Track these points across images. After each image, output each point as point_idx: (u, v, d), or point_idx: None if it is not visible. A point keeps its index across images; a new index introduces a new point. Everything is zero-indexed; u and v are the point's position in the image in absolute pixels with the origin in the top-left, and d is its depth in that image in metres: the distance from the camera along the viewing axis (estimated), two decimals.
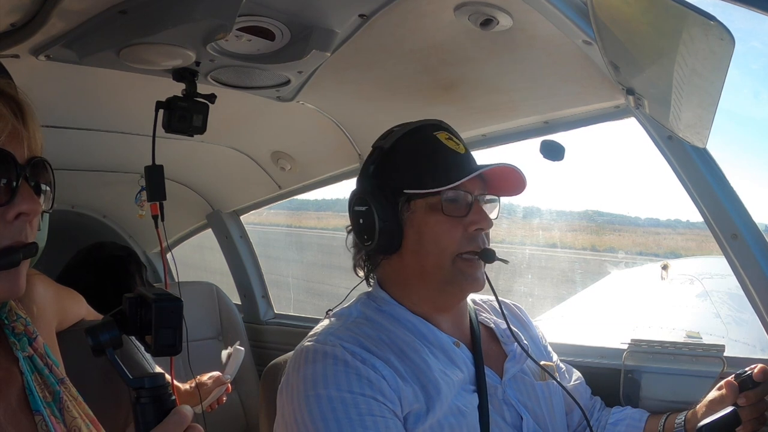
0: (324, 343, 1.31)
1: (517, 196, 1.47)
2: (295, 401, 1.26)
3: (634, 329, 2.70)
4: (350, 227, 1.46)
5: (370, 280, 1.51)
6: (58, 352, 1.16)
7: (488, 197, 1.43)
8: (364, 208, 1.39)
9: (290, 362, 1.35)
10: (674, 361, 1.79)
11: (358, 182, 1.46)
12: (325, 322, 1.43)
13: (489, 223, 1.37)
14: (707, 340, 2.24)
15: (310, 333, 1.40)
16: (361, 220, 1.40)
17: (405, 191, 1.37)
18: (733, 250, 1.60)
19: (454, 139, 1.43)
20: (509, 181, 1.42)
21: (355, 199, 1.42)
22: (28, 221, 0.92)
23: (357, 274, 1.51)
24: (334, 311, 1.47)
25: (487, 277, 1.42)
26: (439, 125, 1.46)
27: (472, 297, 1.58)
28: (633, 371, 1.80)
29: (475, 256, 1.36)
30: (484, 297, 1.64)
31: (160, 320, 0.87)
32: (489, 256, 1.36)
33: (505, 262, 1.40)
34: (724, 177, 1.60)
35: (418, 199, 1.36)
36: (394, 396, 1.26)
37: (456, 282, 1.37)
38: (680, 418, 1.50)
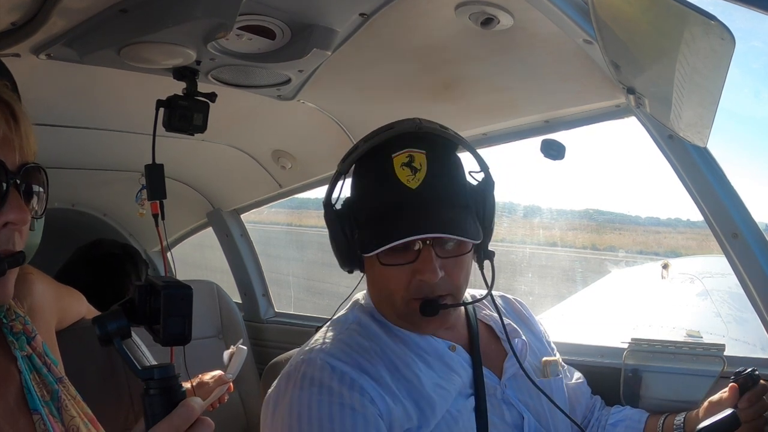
0: (314, 364, 1.29)
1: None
2: (278, 427, 1.27)
3: (634, 328, 2.70)
4: None
5: None
6: (57, 350, 1.16)
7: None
8: (329, 230, 1.39)
9: (284, 373, 1.34)
10: (674, 360, 1.79)
11: (323, 205, 1.40)
12: (323, 330, 1.42)
13: (434, 275, 1.26)
14: (708, 339, 2.24)
15: (308, 343, 1.40)
16: (331, 240, 1.40)
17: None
18: (733, 249, 1.60)
19: (412, 165, 1.29)
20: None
21: (326, 219, 1.40)
22: (16, 230, 0.92)
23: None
24: (332, 319, 1.47)
25: (488, 272, 1.40)
26: (407, 140, 1.32)
27: (471, 293, 1.56)
28: (633, 370, 1.80)
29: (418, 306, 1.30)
30: (485, 291, 1.61)
31: (168, 308, 0.84)
32: (428, 309, 1.29)
33: (453, 306, 1.35)
34: (725, 176, 1.60)
35: None
36: (380, 422, 1.24)
37: (412, 321, 1.35)
38: (679, 418, 1.50)
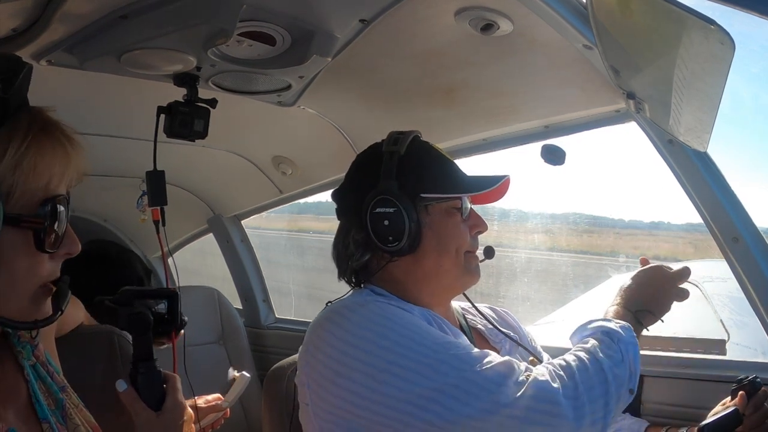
0: (360, 301, 1.37)
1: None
2: (350, 345, 1.27)
3: None
4: (356, 230, 1.44)
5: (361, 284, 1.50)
6: (57, 359, 1.16)
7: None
8: (391, 210, 1.39)
9: (315, 327, 1.35)
10: (676, 365, 1.79)
11: (379, 186, 1.43)
12: (338, 304, 1.41)
13: (486, 226, 1.50)
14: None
15: (328, 303, 1.42)
16: (386, 222, 1.40)
17: (422, 195, 1.42)
18: (734, 254, 1.61)
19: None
20: (496, 192, 1.51)
21: (379, 201, 1.41)
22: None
23: (350, 282, 1.50)
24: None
25: None
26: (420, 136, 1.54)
27: (459, 302, 1.61)
28: None
29: (479, 253, 1.50)
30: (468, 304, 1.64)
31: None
32: (491, 252, 1.52)
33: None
34: (725, 180, 1.60)
35: (437, 203, 1.44)
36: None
37: (465, 277, 1.47)
38: None
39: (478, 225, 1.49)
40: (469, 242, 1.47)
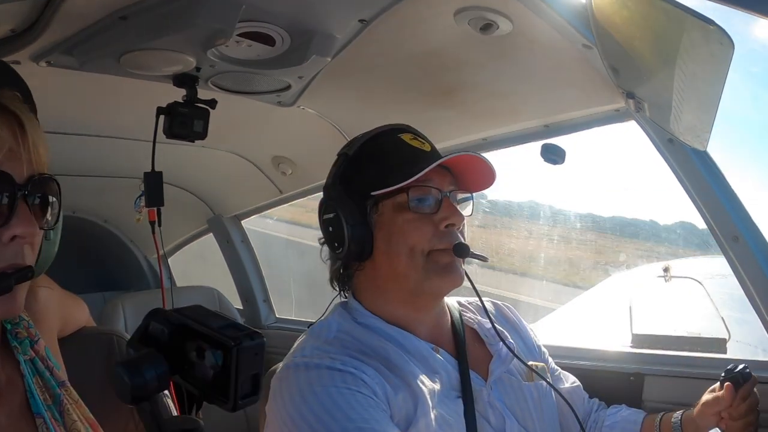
0: (311, 356, 1.28)
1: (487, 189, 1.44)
2: (283, 408, 1.22)
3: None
4: (322, 239, 1.43)
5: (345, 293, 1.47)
6: (60, 356, 1.15)
7: (460, 196, 1.39)
8: (332, 215, 1.37)
9: (276, 382, 1.29)
10: (676, 363, 1.79)
11: (325, 191, 1.44)
12: (304, 338, 1.39)
13: (460, 217, 1.33)
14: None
15: (292, 351, 1.36)
16: (330, 228, 1.37)
17: (372, 194, 1.34)
18: (734, 252, 1.61)
19: (419, 138, 1.41)
20: (477, 173, 1.38)
21: (323, 207, 1.40)
22: (25, 243, 0.90)
23: (333, 288, 1.47)
24: (310, 327, 1.42)
25: (468, 276, 1.38)
26: (405, 128, 1.44)
27: (457, 298, 1.55)
28: (635, 374, 1.80)
29: (449, 250, 1.32)
30: (471, 299, 1.58)
31: (241, 366, 0.67)
32: (462, 250, 1.31)
33: (484, 258, 1.36)
34: (725, 179, 1.60)
35: (386, 199, 1.34)
36: (385, 399, 1.23)
37: (431, 279, 1.32)
38: (676, 416, 1.48)
39: (447, 217, 1.32)
40: (429, 239, 1.31)
